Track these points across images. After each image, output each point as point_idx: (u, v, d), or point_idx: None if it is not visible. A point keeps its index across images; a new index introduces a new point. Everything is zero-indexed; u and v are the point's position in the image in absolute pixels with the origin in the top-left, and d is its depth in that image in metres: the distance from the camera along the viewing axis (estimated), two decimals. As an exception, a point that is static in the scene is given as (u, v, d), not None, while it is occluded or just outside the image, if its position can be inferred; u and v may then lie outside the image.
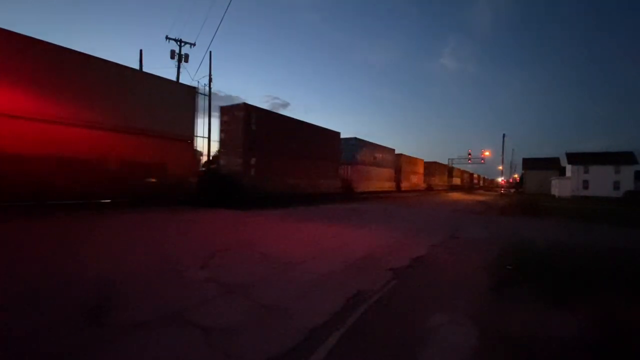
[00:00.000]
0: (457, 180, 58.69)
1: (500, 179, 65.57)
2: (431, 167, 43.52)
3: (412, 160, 33.27)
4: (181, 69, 21.93)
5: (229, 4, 13.49)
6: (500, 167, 51.53)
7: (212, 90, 21.29)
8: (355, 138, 21.23)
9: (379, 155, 24.39)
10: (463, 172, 67.65)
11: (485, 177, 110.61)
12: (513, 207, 16.37)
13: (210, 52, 23.80)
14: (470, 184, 74.20)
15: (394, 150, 27.86)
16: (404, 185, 30.63)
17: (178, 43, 22.06)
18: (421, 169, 37.22)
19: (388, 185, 26.44)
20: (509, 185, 70.20)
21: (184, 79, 49.35)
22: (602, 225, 10.61)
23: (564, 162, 50.83)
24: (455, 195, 31.70)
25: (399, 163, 29.46)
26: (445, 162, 57.48)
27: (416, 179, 34.67)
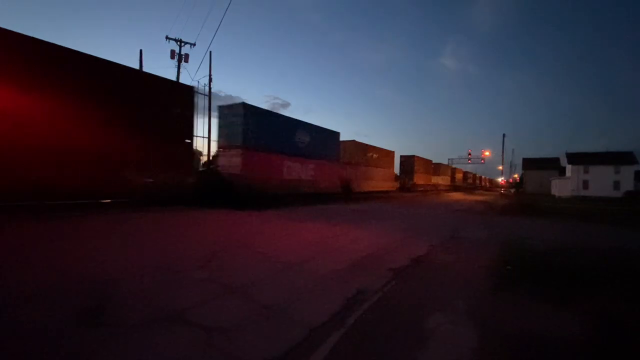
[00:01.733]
0: (445, 180, 51.14)
1: (500, 179, 64.64)
2: (410, 163, 36.28)
3: (373, 151, 24.91)
4: (181, 69, 21.76)
5: (229, 3, 13.22)
6: (500, 167, 51.21)
7: (213, 90, 20.51)
8: (244, 105, 12.87)
9: (303, 139, 16.11)
10: (455, 169, 59.94)
11: (483, 176, 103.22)
12: (513, 207, 16.05)
13: (210, 52, 23.07)
14: (465, 184, 67.01)
15: (337, 134, 19.51)
16: (361, 185, 22.58)
17: (178, 43, 21.88)
18: (391, 165, 29.65)
19: (326, 185, 18.17)
20: (509, 185, 68.83)
21: (184, 79, 52.49)
22: (602, 226, 10.42)
23: (564, 162, 50.02)
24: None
25: (349, 154, 21.61)
26: (446, 162, 55.14)
27: (383, 177, 26.45)
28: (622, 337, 2.67)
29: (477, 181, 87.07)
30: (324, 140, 18.17)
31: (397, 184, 31.82)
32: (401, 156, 36.71)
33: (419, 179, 37.34)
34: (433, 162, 44.81)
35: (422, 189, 37.59)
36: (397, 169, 37.45)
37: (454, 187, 55.12)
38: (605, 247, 6.49)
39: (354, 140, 22.18)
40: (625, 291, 3.75)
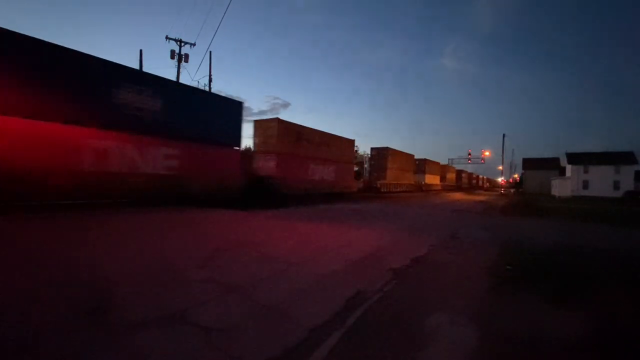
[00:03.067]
0: (433, 179, 44.35)
1: (500, 179, 64.00)
2: (382, 157, 29.39)
3: (313, 136, 17.89)
4: (181, 69, 21.87)
5: (229, 4, 11.40)
6: (500, 167, 50.91)
7: (213, 90, 20.75)
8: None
9: (141, 103, 9.33)
10: (446, 167, 52.78)
11: (481, 176, 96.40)
12: (512, 207, 16.24)
13: (210, 52, 24.03)
14: (459, 184, 60.31)
15: (239, 104, 12.86)
16: (292, 184, 15.68)
17: (178, 43, 21.98)
18: (349, 159, 22.09)
19: (214, 184, 11.65)
20: (509, 185, 68.23)
21: (184, 79, 51.21)
22: (601, 226, 10.34)
23: (564, 162, 49.87)
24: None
25: (272, 139, 15.05)
26: (446, 162, 54.15)
27: (333, 174, 19.58)
28: (622, 337, 2.65)
29: (474, 181, 79.93)
30: (203, 110, 11.34)
31: (358, 183, 25.54)
32: (372, 149, 30.37)
33: (394, 177, 30.76)
34: (416, 157, 38.33)
35: (397, 189, 31.09)
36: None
37: (444, 187, 48.43)
38: (605, 247, 6.48)
39: (277, 119, 15.51)
40: (626, 291, 3.74)
